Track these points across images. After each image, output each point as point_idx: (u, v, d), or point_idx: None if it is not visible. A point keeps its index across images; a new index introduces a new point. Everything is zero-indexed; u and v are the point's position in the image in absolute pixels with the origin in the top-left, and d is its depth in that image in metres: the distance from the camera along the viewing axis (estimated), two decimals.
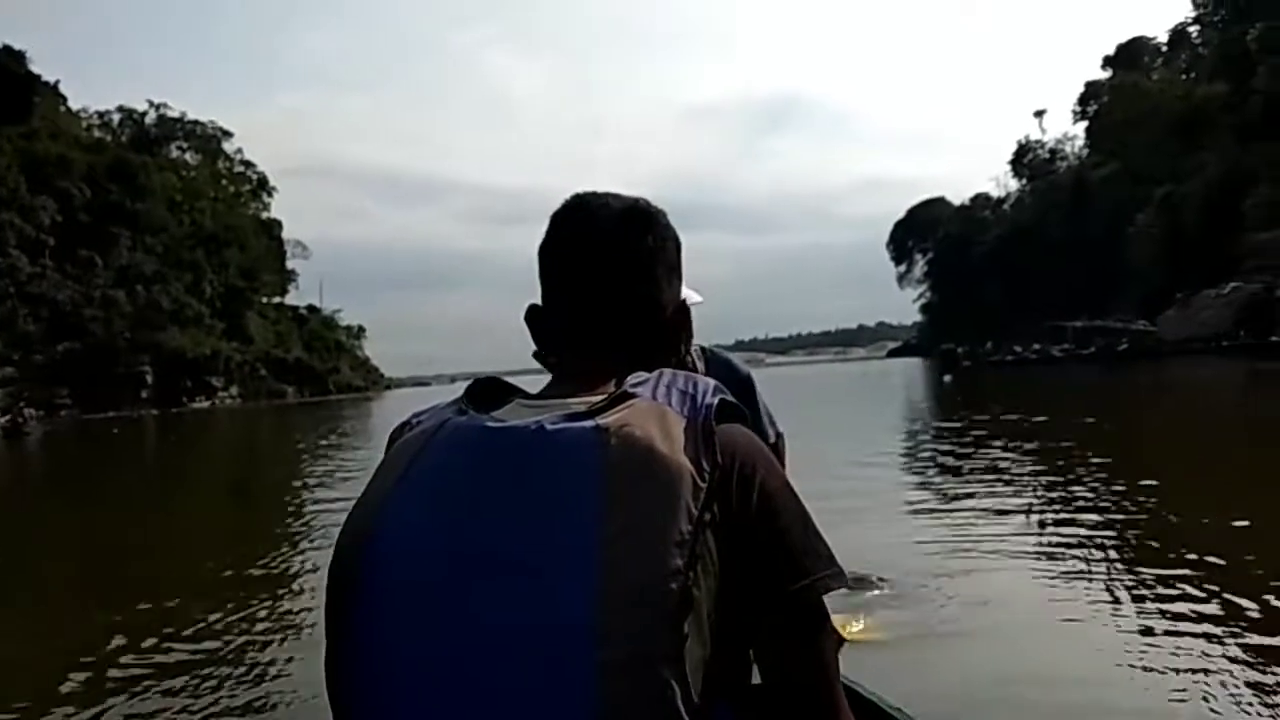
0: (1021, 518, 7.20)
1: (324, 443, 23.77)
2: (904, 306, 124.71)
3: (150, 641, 5.17)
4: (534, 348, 1.16)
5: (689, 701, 0.84)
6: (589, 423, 0.91)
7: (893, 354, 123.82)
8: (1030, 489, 8.74)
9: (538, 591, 0.86)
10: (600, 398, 0.95)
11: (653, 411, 0.92)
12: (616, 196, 1.13)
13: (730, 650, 0.91)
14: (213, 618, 5.66)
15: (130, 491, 16.08)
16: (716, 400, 0.95)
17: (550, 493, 0.89)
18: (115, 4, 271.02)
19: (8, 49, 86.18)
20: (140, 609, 6.08)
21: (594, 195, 1.14)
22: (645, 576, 0.84)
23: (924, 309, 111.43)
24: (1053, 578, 5.35)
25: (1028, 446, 12.16)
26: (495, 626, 0.86)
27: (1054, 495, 8.22)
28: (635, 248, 1.10)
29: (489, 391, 1.06)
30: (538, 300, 1.15)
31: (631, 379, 0.98)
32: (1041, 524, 6.92)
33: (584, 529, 0.86)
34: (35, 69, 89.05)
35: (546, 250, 1.14)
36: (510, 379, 1.05)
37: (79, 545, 9.78)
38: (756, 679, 0.99)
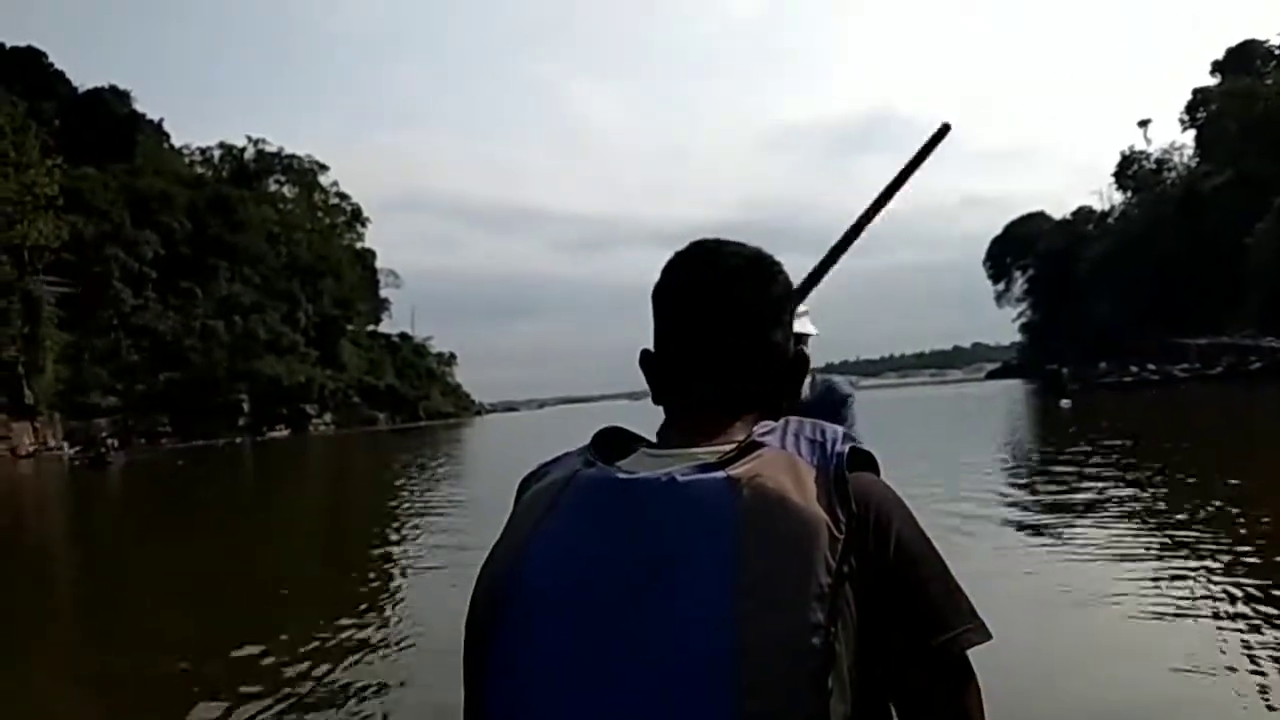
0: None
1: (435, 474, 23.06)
2: (1002, 326, 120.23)
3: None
4: (649, 389, 1.12)
5: None
6: (720, 474, 0.89)
7: (991, 375, 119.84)
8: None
9: (677, 646, 0.84)
10: (729, 447, 0.94)
11: (783, 461, 0.91)
12: (740, 244, 1.11)
13: (870, 707, 0.88)
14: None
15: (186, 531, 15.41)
16: (847, 448, 0.93)
17: (684, 545, 0.87)
18: (215, 46, 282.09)
19: (113, 89, 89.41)
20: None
21: (718, 242, 1.11)
22: (786, 630, 0.82)
23: (1024, 328, 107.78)
24: None
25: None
26: (636, 681, 0.85)
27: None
28: (765, 296, 1.09)
29: (614, 440, 1.04)
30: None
31: (759, 428, 0.97)
32: None
33: (720, 582, 0.84)
34: (139, 108, 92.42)
35: (671, 295, 1.10)
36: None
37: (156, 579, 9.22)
38: None
